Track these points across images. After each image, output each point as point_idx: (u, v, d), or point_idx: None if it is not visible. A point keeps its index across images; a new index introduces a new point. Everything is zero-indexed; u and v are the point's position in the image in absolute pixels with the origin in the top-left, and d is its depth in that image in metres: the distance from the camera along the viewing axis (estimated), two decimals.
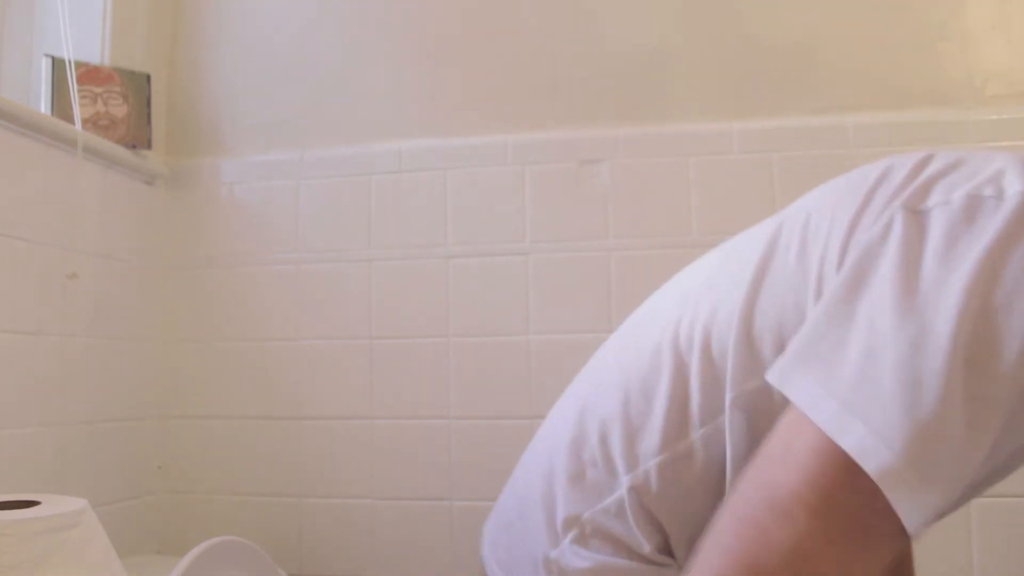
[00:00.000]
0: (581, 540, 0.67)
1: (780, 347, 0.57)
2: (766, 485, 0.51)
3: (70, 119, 1.26)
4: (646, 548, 0.65)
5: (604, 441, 0.67)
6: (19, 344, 1.13)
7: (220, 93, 1.52)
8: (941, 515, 0.52)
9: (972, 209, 0.50)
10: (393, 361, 1.39)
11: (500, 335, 1.37)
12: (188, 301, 1.47)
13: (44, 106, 1.28)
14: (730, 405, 0.60)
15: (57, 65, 1.29)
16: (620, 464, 0.65)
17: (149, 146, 1.42)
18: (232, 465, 1.42)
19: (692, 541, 0.59)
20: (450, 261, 1.39)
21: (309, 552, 1.39)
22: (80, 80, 1.30)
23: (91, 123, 1.32)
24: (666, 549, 0.66)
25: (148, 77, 1.42)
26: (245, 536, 1.14)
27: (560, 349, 1.35)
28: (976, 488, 0.59)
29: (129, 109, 1.38)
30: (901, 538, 0.48)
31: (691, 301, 0.66)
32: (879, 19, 1.34)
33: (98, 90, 1.35)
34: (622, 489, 0.65)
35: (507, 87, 1.43)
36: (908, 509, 0.46)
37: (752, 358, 0.59)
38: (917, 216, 0.52)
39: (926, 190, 0.53)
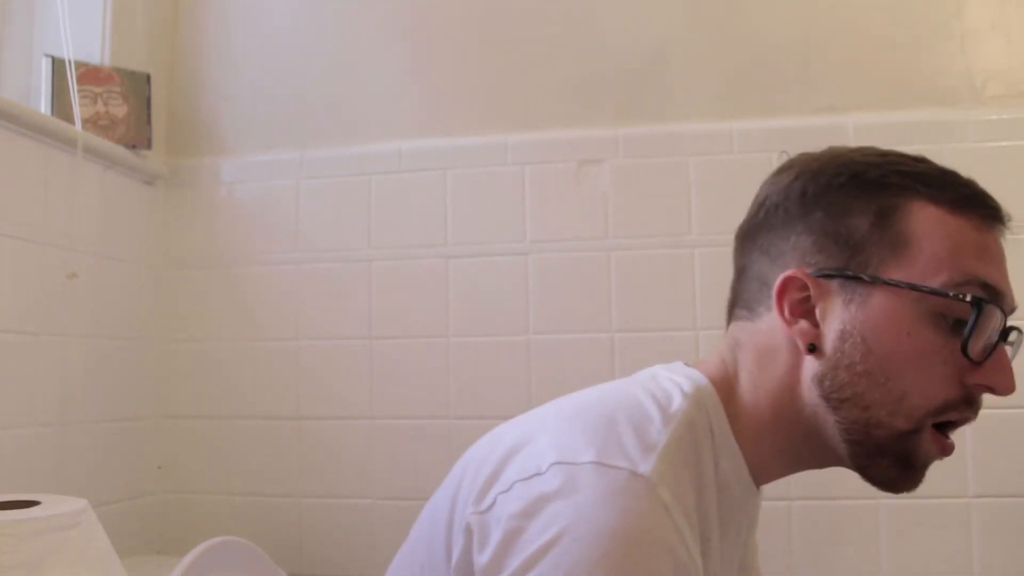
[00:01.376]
0: None
1: None
2: None
3: (70, 119, 1.26)
4: None
5: None
6: (19, 344, 1.13)
7: (220, 93, 1.52)
8: None
9: None
10: (393, 361, 1.39)
11: (500, 335, 1.37)
12: (188, 301, 1.47)
13: (44, 106, 1.28)
14: None
15: (57, 65, 1.29)
16: None
17: (149, 146, 1.42)
18: (232, 465, 1.42)
19: None
20: (450, 261, 1.39)
21: (309, 552, 1.39)
22: (80, 80, 1.30)
23: (91, 123, 1.32)
24: None
25: (148, 77, 1.42)
26: (245, 536, 1.14)
27: (560, 349, 1.35)
28: None
29: (129, 109, 1.38)
30: None
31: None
32: (879, 19, 1.34)
33: (98, 90, 1.34)
34: None
35: (507, 87, 1.43)
36: None
37: None
38: None
39: None
